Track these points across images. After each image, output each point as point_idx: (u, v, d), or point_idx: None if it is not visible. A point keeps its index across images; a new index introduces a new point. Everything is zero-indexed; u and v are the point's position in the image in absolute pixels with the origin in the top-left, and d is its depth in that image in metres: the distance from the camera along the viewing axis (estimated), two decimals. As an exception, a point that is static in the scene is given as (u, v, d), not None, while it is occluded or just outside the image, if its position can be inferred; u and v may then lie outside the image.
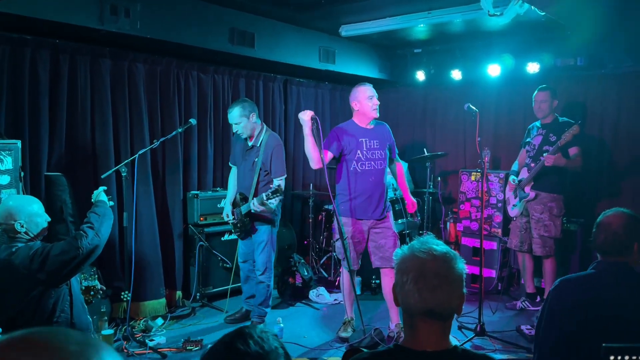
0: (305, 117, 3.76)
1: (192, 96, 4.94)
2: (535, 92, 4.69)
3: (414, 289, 1.40)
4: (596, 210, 4.72)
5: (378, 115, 3.98)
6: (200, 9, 4.33)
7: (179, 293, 4.82)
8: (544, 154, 4.46)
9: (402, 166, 4.30)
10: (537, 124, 4.74)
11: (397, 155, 4.22)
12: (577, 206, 5.00)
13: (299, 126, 6.21)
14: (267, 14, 4.73)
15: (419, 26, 4.94)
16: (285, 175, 4.14)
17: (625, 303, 1.99)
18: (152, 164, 4.64)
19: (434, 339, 1.43)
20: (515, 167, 4.96)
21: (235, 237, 4.91)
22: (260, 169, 4.10)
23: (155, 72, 4.64)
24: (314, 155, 3.81)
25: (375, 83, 6.45)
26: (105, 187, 3.12)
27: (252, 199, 4.03)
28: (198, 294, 4.75)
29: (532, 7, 3.23)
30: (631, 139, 5.08)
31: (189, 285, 4.84)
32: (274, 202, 3.93)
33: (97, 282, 3.60)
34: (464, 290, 1.45)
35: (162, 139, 4.10)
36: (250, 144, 4.17)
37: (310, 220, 5.80)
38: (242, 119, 4.06)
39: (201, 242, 4.72)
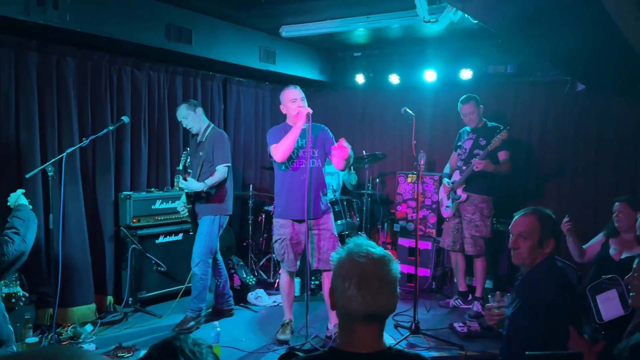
0: (304, 111, 3.80)
1: (126, 93, 4.76)
2: (460, 105, 4.83)
3: (357, 294, 1.40)
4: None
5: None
6: (135, 2, 4.17)
7: (110, 298, 4.63)
8: (475, 158, 4.64)
9: None
10: (467, 128, 4.92)
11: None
12: (506, 207, 5.22)
13: (238, 126, 6.19)
14: (205, 10, 4.62)
15: (359, 30, 5.01)
16: (229, 164, 4.28)
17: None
18: (82, 163, 4.43)
19: (371, 342, 1.45)
20: (447, 169, 5.12)
21: (171, 239, 4.85)
22: (204, 162, 4.26)
23: (86, 67, 4.43)
24: (290, 148, 3.81)
25: (316, 85, 6.54)
26: (23, 190, 2.94)
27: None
28: (130, 299, 4.57)
29: (466, 15, 3.34)
30: (556, 143, 5.38)
31: (121, 290, 4.65)
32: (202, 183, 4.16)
33: (19, 288, 3.39)
34: (398, 290, 1.48)
35: (92, 137, 3.94)
36: (197, 140, 4.40)
37: (250, 222, 5.73)
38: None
39: (134, 245, 4.54)
